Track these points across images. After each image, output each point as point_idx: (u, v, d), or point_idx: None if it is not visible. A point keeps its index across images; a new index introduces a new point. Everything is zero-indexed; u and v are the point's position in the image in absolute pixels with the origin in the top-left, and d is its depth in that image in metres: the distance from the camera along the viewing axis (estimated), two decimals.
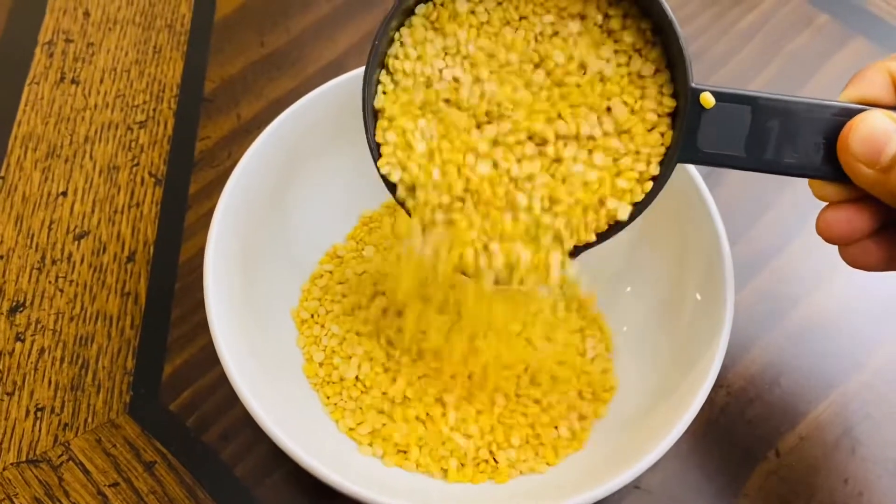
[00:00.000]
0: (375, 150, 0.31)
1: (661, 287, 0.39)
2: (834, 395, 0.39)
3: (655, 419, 0.33)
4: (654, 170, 0.30)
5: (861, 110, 0.28)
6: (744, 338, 0.41)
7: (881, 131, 0.28)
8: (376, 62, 0.31)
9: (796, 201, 0.45)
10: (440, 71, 0.31)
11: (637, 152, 0.30)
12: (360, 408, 0.37)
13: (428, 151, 0.31)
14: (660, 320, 0.38)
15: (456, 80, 0.31)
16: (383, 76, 0.31)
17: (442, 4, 0.31)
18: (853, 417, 0.38)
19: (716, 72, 0.50)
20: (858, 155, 0.28)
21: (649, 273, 0.39)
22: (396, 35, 0.31)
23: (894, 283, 0.42)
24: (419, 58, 0.31)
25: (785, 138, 0.29)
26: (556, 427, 0.36)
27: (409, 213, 0.31)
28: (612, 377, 0.38)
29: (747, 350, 0.40)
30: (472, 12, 0.31)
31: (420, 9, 0.31)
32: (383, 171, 0.31)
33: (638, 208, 0.30)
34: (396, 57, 0.31)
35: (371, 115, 0.31)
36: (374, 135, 0.31)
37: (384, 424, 0.36)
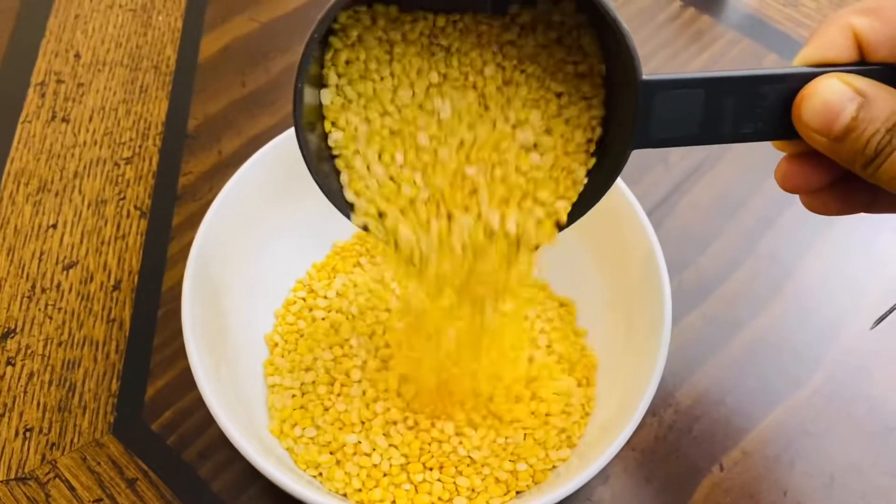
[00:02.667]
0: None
1: (606, 309, 0.40)
2: (775, 412, 0.41)
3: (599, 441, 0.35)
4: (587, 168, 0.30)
5: (816, 74, 0.27)
6: (692, 359, 0.42)
7: (835, 100, 0.26)
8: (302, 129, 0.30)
9: (743, 231, 0.46)
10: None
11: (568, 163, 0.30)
12: (312, 439, 0.37)
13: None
14: (605, 341, 0.40)
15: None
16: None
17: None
18: (793, 433, 0.40)
19: None
20: (811, 125, 0.27)
21: (596, 296, 0.41)
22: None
23: (832, 307, 0.44)
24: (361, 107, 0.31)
25: (741, 112, 0.28)
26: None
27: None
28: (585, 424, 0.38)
29: (695, 370, 0.42)
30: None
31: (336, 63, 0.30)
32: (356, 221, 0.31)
33: (594, 195, 0.30)
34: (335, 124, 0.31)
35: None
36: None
37: (335, 460, 0.37)
